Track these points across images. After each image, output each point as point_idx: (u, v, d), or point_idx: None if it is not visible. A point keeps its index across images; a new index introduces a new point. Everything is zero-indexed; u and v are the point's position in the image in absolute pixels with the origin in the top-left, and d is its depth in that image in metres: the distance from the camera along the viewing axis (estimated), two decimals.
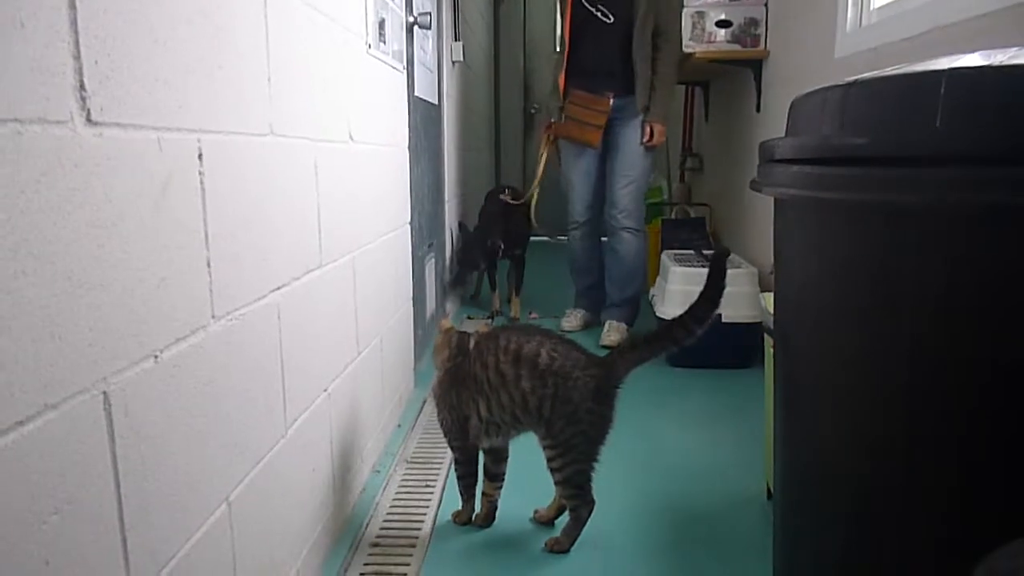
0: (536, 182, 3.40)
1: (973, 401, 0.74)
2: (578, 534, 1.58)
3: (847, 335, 0.85)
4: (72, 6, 0.71)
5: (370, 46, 1.87)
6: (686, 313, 1.52)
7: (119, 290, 0.80)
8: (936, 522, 0.79)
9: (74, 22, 0.71)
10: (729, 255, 1.47)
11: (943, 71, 0.76)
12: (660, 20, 3.07)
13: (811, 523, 1.00)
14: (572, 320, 3.42)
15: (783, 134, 1.04)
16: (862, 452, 0.85)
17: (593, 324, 3.43)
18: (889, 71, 0.86)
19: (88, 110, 0.74)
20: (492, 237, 3.55)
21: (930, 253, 0.75)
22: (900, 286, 0.77)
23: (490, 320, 3.58)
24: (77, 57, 0.72)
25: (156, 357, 0.87)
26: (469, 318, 3.67)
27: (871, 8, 2.27)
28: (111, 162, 0.78)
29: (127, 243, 0.81)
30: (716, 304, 1.48)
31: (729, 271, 2.86)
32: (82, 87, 0.73)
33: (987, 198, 0.70)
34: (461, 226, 3.84)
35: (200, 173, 0.97)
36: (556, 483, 1.59)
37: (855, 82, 0.84)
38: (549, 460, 1.56)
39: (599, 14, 3.07)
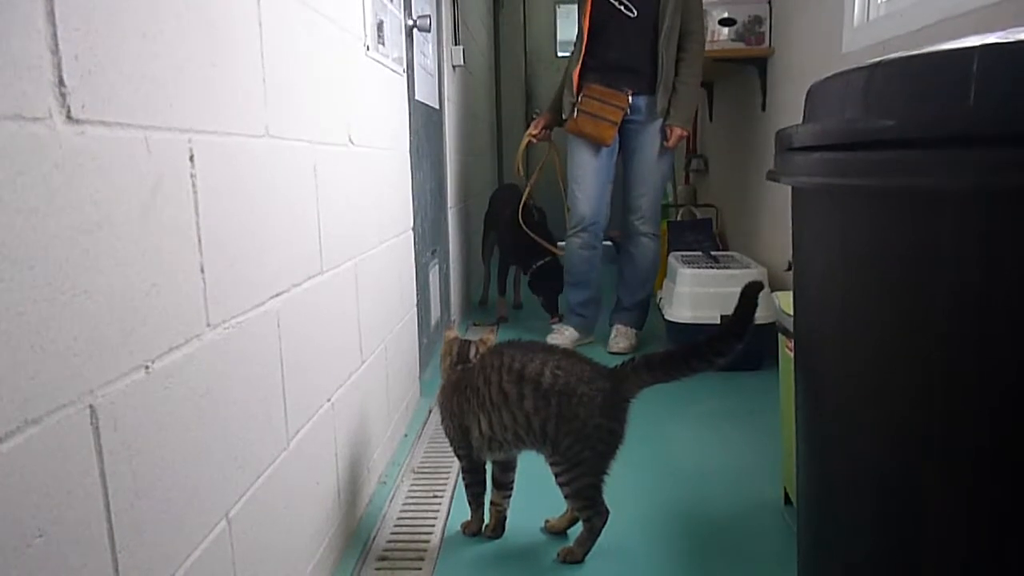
0: (527, 178, 3.44)
1: (1019, 392, 0.69)
2: (592, 544, 1.53)
3: (875, 327, 0.81)
4: None
5: (368, 48, 1.83)
6: (708, 343, 1.44)
7: (106, 297, 0.75)
8: (982, 528, 0.74)
9: (51, 13, 0.67)
10: (762, 290, 1.37)
11: (974, 47, 0.71)
12: (687, 19, 2.91)
13: (839, 530, 0.95)
14: (559, 337, 3.11)
15: None
16: (895, 452, 0.80)
17: (583, 343, 3.16)
18: (913, 52, 0.81)
19: (68, 107, 0.70)
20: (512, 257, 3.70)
21: (966, 236, 0.70)
22: (934, 272, 0.72)
23: (496, 326, 3.52)
24: (55, 51, 0.68)
25: (147, 368, 0.83)
26: (475, 324, 3.62)
27: (879, 0, 2.23)
28: (96, 162, 0.74)
29: (114, 248, 0.77)
30: (741, 338, 1.41)
31: (738, 272, 2.87)
32: (61, 83, 0.69)
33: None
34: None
35: (192, 175, 0.93)
36: (566, 496, 1.54)
37: (879, 63, 0.80)
38: (557, 476, 1.52)
39: (622, 8, 2.91)
